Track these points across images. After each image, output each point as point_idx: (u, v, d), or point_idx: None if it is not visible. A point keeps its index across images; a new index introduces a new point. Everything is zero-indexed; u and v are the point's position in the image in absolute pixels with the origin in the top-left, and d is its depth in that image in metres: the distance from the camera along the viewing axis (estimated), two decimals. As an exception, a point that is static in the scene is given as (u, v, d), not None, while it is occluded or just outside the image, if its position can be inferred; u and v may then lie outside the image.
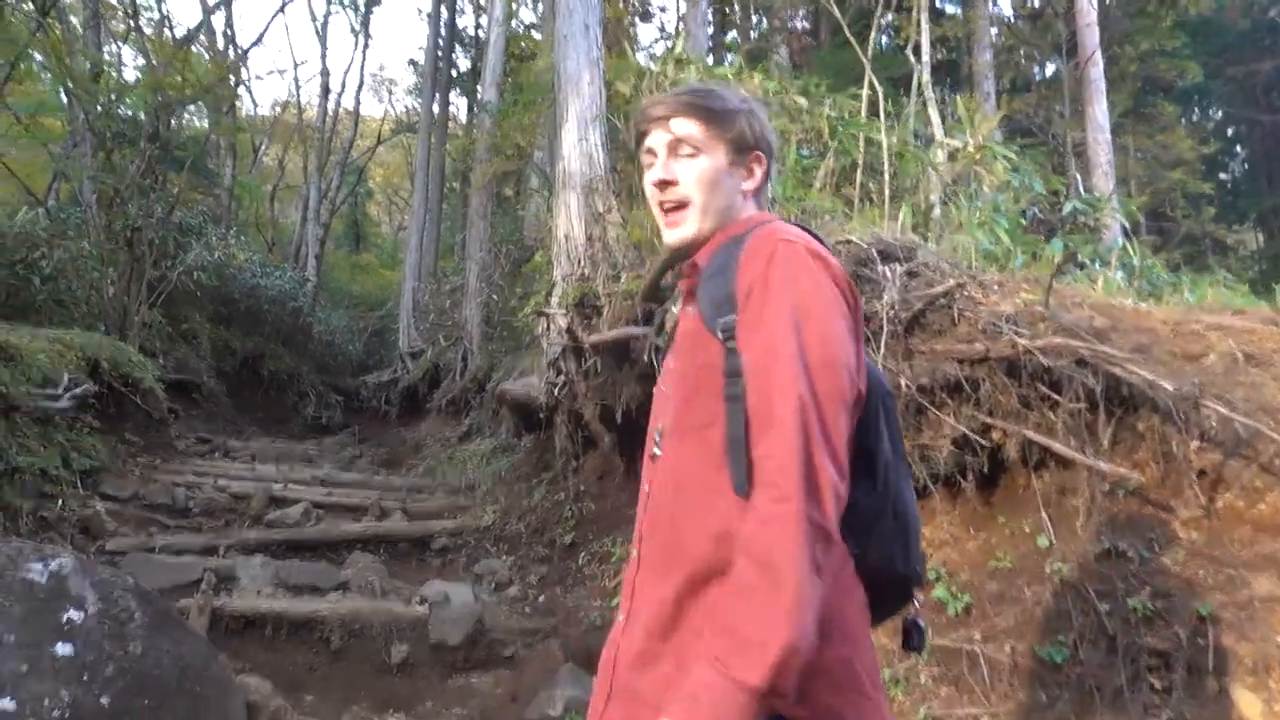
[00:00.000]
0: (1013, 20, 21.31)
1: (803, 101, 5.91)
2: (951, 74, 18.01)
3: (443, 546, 7.11)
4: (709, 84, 1.65)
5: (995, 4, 20.10)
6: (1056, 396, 3.32)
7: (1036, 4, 20.96)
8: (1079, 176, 10.83)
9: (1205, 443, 3.13)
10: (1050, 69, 23.15)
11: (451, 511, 7.91)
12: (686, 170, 1.50)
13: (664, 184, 1.51)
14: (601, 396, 6.38)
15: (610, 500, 6.65)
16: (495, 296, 13.44)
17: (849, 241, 3.83)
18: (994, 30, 18.60)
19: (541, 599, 5.98)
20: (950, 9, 19.77)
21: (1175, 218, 18.88)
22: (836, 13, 7.02)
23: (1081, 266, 6.18)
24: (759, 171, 1.57)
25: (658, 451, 1.52)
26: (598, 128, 7.06)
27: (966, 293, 3.61)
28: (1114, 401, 3.32)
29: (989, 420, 3.41)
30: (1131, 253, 6.27)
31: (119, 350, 8.35)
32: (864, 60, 6.06)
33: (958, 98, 6.83)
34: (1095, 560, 3.05)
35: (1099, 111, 13.08)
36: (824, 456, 1.24)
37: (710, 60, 14.67)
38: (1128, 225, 7.18)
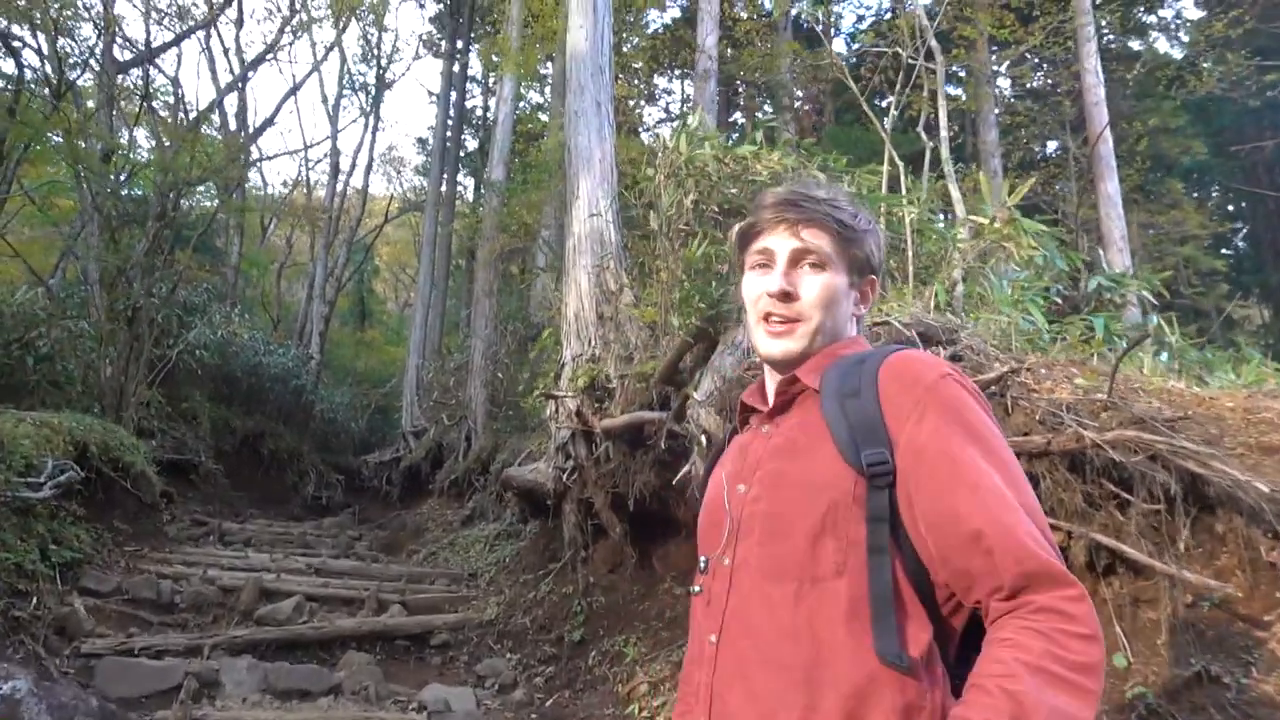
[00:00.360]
0: (1012, 99, 21.53)
1: (822, 177, 5.72)
2: (957, 152, 18.08)
3: (443, 643, 6.70)
4: (837, 191, 1.46)
5: (996, 85, 20.28)
6: (1127, 495, 2.99)
7: (1036, 83, 21.20)
8: (1102, 252, 10.64)
9: (1296, 548, 2.78)
10: (1051, 147, 23.38)
11: (453, 603, 7.50)
12: (810, 286, 1.36)
13: (785, 296, 1.35)
14: (613, 484, 6.05)
15: (622, 594, 6.26)
16: (501, 375, 13.20)
17: (886, 323, 3.56)
18: (996, 109, 18.73)
19: (549, 704, 5.54)
20: (950, 89, 19.96)
21: (1188, 294, 18.72)
22: (854, 88, 6.91)
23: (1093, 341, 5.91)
24: (871, 297, 1.46)
25: (697, 589, 1.37)
26: (609, 204, 6.88)
27: (1020, 379, 3.31)
28: (1189, 500, 2.99)
29: (1050, 521, 3.07)
30: (1167, 331, 5.98)
31: (110, 433, 8.04)
32: (883, 134, 5.89)
33: (979, 173, 6.65)
34: (1184, 686, 2.68)
35: (1111, 188, 13.00)
36: None
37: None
38: (1155, 302, 6.90)
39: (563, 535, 6.93)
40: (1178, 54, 21.95)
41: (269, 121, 22.82)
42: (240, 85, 21.55)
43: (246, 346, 16.27)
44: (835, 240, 1.36)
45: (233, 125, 21.65)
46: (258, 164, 24.72)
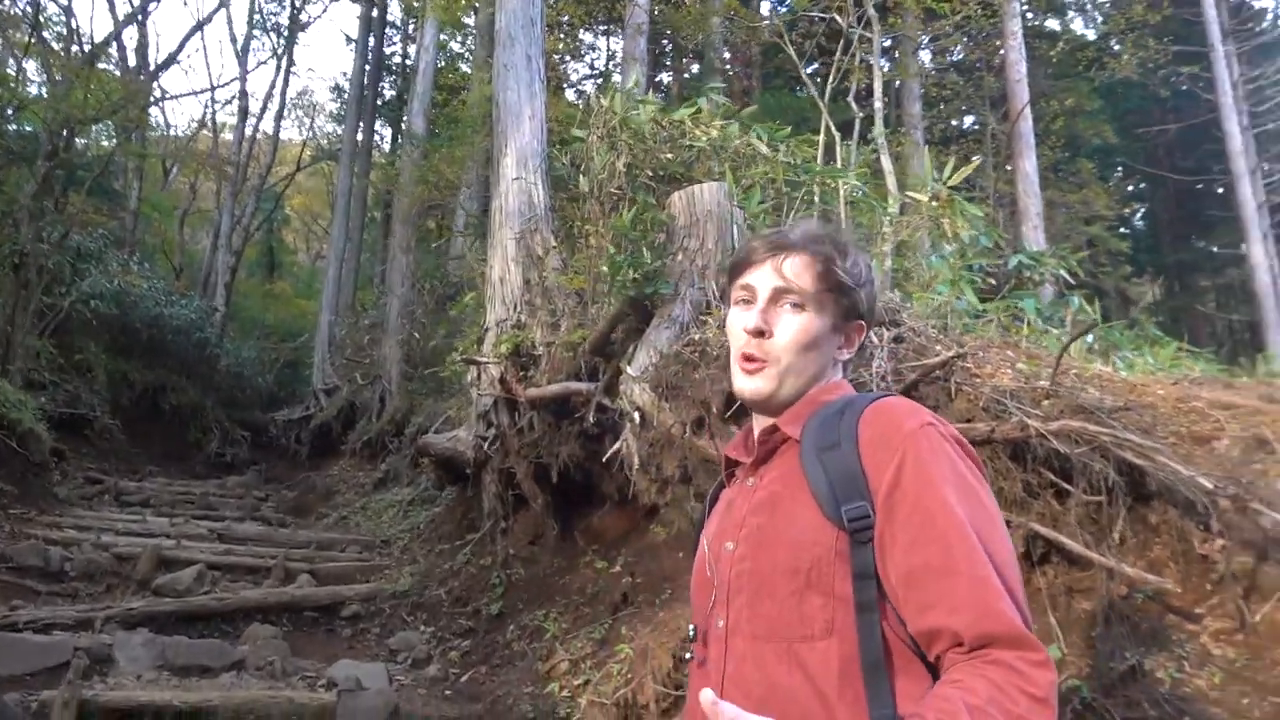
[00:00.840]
0: (934, 71, 21.73)
1: (764, 149, 5.58)
2: (883, 123, 18.15)
3: (354, 614, 6.48)
4: (834, 233, 1.42)
5: (919, 58, 20.41)
6: (1066, 485, 2.97)
7: (958, 57, 21.42)
8: (1024, 230, 10.82)
9: (1229, 541, 2.80)
10: (968, 122, 23.75)
11: (364, 573, 7.26)
12: (786, 326, 1.31)
13: (759, 333, 1.31)
14: (536, 454, 5.88)
15: (542, 566, 6.12)
16: (418, 335, 12.84)
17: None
18: (919, 82, 18.86)
19: (464, 680, 5.40)
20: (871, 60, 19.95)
21: (1093, 272, 19.34)
22: (792, 53, 6.77)
23: (1026, 323, 5.97)
24: (857, 341, 1.40)
25: (690, 655, 1.36)
26: (538, 164, 6.61)
27: (963, 363, 3.25)
28: (1126, 491, 2.98)
29: (989, 509, 3.04)
30: (1090, 312, 6.08)
31: (-8, 389, 7.49)
32: (820, 103, 5.78)
33: (909, 139, 6.62)
34: (1119, 680, 2.67)
35: (1029, 165, 13.24)
36: None
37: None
38: (1071, 281, 7.03)
39: (481, 504, 6.74)
40: (1092, 35, 22.54)
41: (172, 59, 21.59)
42: (141, 18, 20.31)
43: (146, 296, 15.44)
44: (821, 281, 1.31)
45: (132, 61, 20.39)
46: (159, 103, 23.41)
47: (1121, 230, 26.29)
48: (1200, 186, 25.16)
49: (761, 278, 1.33)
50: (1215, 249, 27.68)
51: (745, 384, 1.33)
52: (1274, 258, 17.21)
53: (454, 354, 7.54)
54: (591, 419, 4.86)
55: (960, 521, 1.09)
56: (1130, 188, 27.72)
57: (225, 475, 13.86)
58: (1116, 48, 18.59)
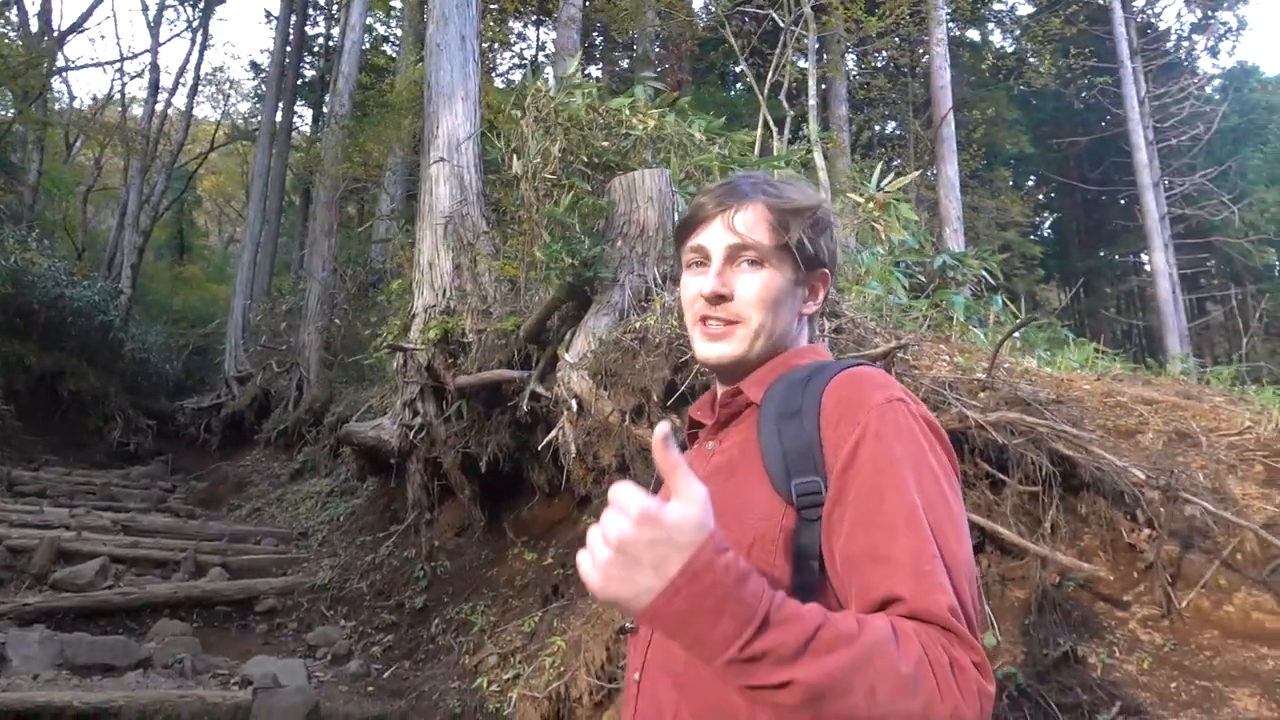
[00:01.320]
0: (858, 74, 22.15)
1: (702, 137, 5.55)
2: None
3: (270, 609, 6.25)
4: (782, 180, 1.31)
5: (846, 62, 20.76)
6: (1001, 475, 3.00)
7: (882, 63, 21.88)
8: (946, 233, 11.08)
9: (1155, 530, 2.88)
10: (890, 127, 24.29)
11: (281, 566, 7.02)
12: (747, 284, 1.22)
13: (718, 298, 1.22)
14: (464, 443, 5.75)
15: (469, 559, 5.99)
16: (338, 321, 12.47)
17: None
18: (845, 85, 19.17)
19: (387, 675, 5.24)
20: (801, 63, 20.22)
21: (1010, 275, 19.98)
22: (734, 44, 6.77)
23: (954, 319, 6.11)
24: (822, 293, 1.31)
25: (630, 624, 1.23)
26: (470, 147, 6.46)
27: (903, 355, 3.27)
28: (1057, 481, 3.04)
29: (927, 500, 3.06)
30: (1014, 313, 6.24)
31: (-126, 369, 6.99)
32: (759, 98, 5.78)
33: (839, 136, 6.69)
34: (1052, 666, 2.72)
35: (951, 171, 13.57)
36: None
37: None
38: (993, 282, 7.22)
39: (406, 495, 6.57)
40: (1009, 46, 23.29)
41: (78, 26, 20.46)
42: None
43: (45, 275, 14.72)
44: (775, 233, 1.22)
45: (35, 26, 19.36)
46: (63, 72, 22.30)
47: (1033, 237, 27.30)
48: (1105, 197, 26.25)
49: (713, 236, 1.24)
50: (1118, 257, 29.02)
51: (710, 350, 1.24)
52: (1174, 267, 18.02)
53: (378, 341, 7.34)
54: (525, 407, 4.76)
55: (913, 507, 0.99)
56: (1042, 196, 28.76)
57: (129, 465, 13.32)
58: (1032, 60, 19.23)
